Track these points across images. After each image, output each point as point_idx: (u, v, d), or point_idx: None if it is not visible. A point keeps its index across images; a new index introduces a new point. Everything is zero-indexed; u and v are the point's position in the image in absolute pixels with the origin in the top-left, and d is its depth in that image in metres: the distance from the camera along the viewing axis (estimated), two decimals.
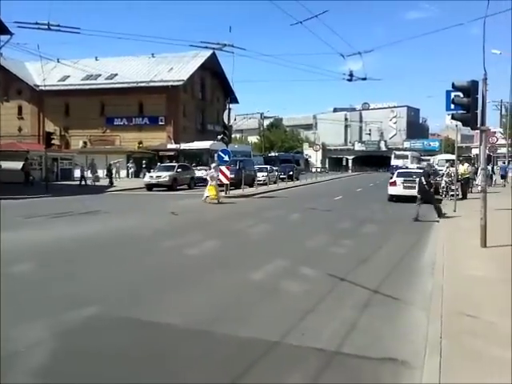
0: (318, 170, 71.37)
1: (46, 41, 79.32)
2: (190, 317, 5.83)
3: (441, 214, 15.51)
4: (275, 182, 35.57)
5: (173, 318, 5.74)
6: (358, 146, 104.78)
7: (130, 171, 43.89)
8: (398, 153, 67.80)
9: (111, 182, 34.26)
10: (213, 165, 23.73)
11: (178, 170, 31.91)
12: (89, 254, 9.82)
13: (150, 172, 33.98)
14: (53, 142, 31.46)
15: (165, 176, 30.51)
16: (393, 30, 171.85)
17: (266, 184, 32.80)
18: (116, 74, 50.73)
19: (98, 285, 7.34)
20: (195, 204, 22.05)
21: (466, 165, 25.27)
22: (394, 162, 58.75)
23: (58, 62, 47.51)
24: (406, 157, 61.88)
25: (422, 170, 25.45)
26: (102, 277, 7.87)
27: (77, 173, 40.72)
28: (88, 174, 34.50)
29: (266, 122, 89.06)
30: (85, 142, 50.71)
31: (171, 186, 30.40)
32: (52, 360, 4.58)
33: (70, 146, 50.82)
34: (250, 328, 5.48)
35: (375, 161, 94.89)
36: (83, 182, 32.99)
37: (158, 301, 6.54)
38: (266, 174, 35.50)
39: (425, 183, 15.86)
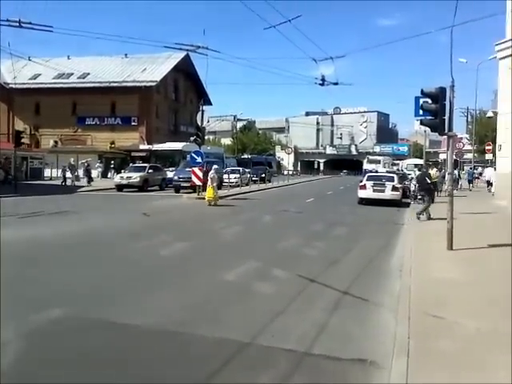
0: (290, 172, 71.71)
1: (17, 38, 77.73)
2: (161, 318, 5.81)
3: (429, 215, 15.71)
4: (247, 184, 35.65)
5: (144, 320, 5.71)
6: (329, 150, 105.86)
7: (98, 171, 43.27)
8: (371, 157, 68.99)
9: (89, 181, 34.34)
10: (214, 166, 23.65)
11: (150, 170, 31.62)
12: (58, 254, 9.66)
13: (119, 172, 33.70)
14: (22, 140, 30.87)
15: (135, 177, 30.19)
16: (364, 37, 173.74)
17: (238, 186, 32.84)
18: (88, 74, 50.09)
19: (66, 286, 7.23)
20: (167, 205, 21.97)
21: (435, 169, 25.79)
22: (367, 166, 59.86)
23: (30, 59, 46.52)
24: (378, 161, 63.25)
25: (391, 174, 25.97)
26: (71, 278, 7.75)
27: (47, 172, 40.47)
28: (68, 174, 34.45)
29: (239, 125, 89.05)
30: (55, 142, 49.85)
31: (142, 186, 30.10)
32: (20, 362, 4.52)
33: (40, 145, 49.90)
34: (221, 329, 5.50)
35: (346, 164, 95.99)
36: (64, 183, 33.22)
37: (129, 302, 6.50)
38: (238, 175, 35.54)
39: (429, 182, 16.27)
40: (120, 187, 30.30)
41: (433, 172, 24.61)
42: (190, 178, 26.95)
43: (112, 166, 42.89)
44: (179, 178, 29.44)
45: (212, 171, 22.26)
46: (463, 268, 8.57)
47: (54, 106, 48.51)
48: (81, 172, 36.54)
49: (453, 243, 10.09)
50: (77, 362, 4.60)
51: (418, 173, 23.08)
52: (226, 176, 34.00)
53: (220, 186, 30.28)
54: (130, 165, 35.46)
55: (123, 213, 18.40)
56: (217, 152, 46.56)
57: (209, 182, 21.60)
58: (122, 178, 30.95)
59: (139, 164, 34.86)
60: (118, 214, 18.13)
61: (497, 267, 8.51)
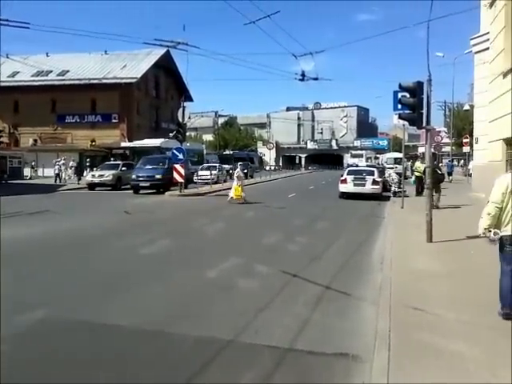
0: (272, 168, 71.90)
1: None
2: (143, 317, 5.79)
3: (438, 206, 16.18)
4: (225, 181, 35.48)
5: (125, 319, 5.69)
6: (310, 145, 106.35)
7: (72, 169, 42.55)
8: (354, 152, 70.07)
9: (79, 180, 34.19)
10: (239, 163, 23.60)
11: (123, 168, 29.97)
12: (38, 255, 9.56)
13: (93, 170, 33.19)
14: (1, 139, 30.53)
15: (108, 175, 28.90)
16: (343, 32, 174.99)
17: (217, 183, 32.66)
18: (68, 71, 49.51)
19: (46, 287, 7.16)
20: (146, 203, 21.82)
21: (419, 162, 25.94)
22: (350, 160, 60.78)
23: (7, 57, 45.81)
24: (361, 155, 64.61)
25: (371, 168, 26.17)
26: (50, 279, 7.66)
27: (26, 171, 40.22)
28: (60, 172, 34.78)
29: (221, 121, 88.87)
30: (35, 140, 49.30)
31: (115, 185, 28.79)
32: (5, 364, 4.44)
33: (19, 143, 49.25)
34: (204, 327, 5.50)
35: (327, 159, 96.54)
36: (59, 181, 33.90)
37: (110, 302, 6.45)
38: (215, 172, 35.35)
39: (441, 173, 16.68)
40: (92, 186, 29.02)
41: (418, 164, 24.77)
42: (150, 176, 25.95)
43: (87, 163, 42.26)
44: (137, 176, 26.63)
45: (238, 169, 22.02)
46: (443, 260, 8.71)
47: (33, 103, 47.84)
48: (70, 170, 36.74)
49: (432, 235, 10.24)
50: (57, 362, 4.57)
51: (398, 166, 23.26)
52: (202, 173, 33.41)
53: (187, 184, 28.20)
54: (108, 162, 34.98)
55: (105, 211, 18.26)
56: (196, 148, 46.42)
57: (235, 181, 21.36)
58: (93, 176, 29.57)
59: (112, 161, 33.98)
60: (100, 212, 17.98)
61: (476, 259, 8.65)
